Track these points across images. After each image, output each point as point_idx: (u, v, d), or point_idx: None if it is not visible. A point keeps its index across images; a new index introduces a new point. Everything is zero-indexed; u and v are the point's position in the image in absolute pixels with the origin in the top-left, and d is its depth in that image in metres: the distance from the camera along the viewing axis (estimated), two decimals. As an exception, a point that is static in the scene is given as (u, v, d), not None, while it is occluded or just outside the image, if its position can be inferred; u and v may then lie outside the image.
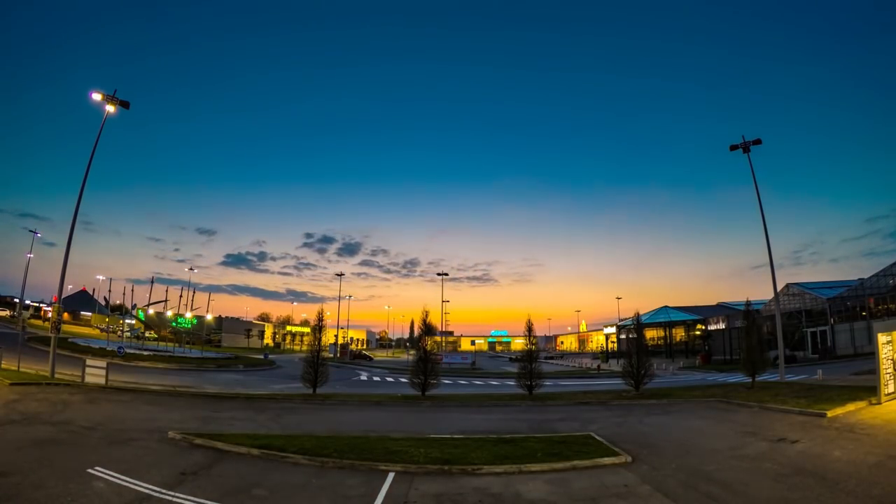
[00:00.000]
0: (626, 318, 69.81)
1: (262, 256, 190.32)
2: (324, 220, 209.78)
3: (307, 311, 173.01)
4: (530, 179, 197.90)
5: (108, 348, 41.30)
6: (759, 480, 9.39)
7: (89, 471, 9.22)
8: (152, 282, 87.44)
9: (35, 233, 64.20)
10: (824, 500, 8.22)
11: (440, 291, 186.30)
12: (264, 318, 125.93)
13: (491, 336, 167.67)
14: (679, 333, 68.74)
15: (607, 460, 11.03)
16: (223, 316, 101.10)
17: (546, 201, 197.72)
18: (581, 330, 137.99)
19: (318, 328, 25.13)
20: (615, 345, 79.91)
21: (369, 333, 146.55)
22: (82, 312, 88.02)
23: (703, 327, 63.13)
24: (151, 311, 77.20)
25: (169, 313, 73.27)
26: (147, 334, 76.53)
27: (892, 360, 16.11)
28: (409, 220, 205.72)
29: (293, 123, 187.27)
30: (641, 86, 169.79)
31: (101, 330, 72.21)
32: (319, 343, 24.73)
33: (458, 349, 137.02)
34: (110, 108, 25.94)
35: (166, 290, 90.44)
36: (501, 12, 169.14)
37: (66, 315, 64.76)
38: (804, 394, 18.92)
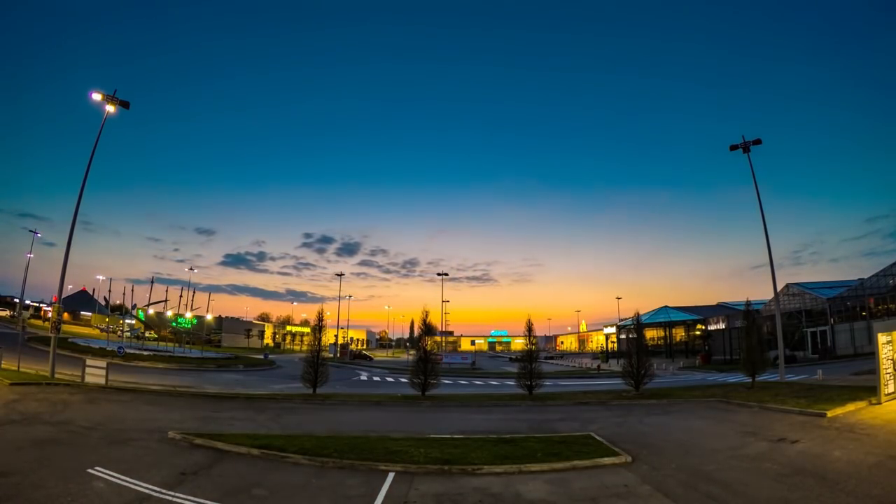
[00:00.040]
0: (626, 318, 69.85)
1: (261, 256, 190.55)
2: (323, 220, 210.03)
3: (307, 311, 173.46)
4: (530, 179, 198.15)
5: (108, 348, 41.29)
6: (760, 480, 9.39)
7: (89, 471, 9.23)
8: (152, 282, 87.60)
9: (35, 233, 64.33)
10: (824, 500, 8.22)
11: (440, 291, 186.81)
12: (264, 318, 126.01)
13: (491, 336, 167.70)
14: (679, 333, 68.72)
15: (607, 460, 11.03)
16: (223, 316, 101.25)
17: (546, 201, 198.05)
18: (581, 330, 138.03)
19: (318, 328, 25.12)
20: (615, 345, 79.89)
21: (369, 333, 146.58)
22: (82, 312, 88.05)
23: (703, 327, 63.12)
24: (151, 311, 77.21)
25: (169, 313, 73.27)
26: (147, 334, 76.54)
27: (892, 360, 16.11)
28: (408, 220, 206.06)
29: (292, 123, 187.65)
30: (641, 86, 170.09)
31: (101, 330, 72.20)
32: (319, 343, 24.73)
33: (458, 349, 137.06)
34: (110, 108, 25.95)
35: (166, 290, 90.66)
36: (501, 12, 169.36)
37: (66, 315, 64.78)
38: (804, 394, 18.92)
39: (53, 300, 31.78)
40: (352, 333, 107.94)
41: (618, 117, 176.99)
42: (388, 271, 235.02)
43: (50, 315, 49.72)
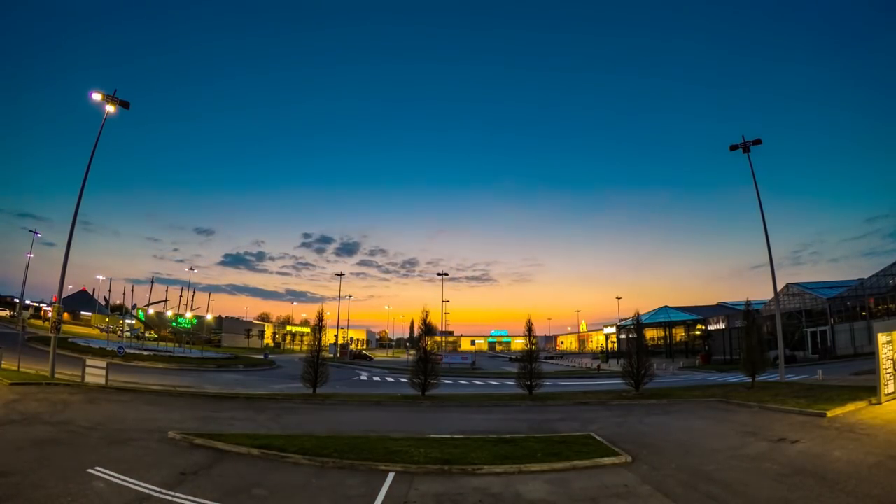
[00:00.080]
0: (626, 318, 69.83)
1: (260, 256, 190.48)
2: (321, 220, 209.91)
3: (307, 311, 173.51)
4: (530, 179, 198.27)
5: (108, 348, 41.28)
6: (760, 480, 9.39)
7: (89, 471, 9.23)
8: (152, 282, 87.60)
9: (35, 233, 64.34)
10: (824, 500, 8.22)
11: (439, 291, 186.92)
12: (264, 318, 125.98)
13: (491, 336, 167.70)
14: (679, 333, 68.72)
15: (607, 460, 11.03)
16: (223, 316, 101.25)
17: (546, 201, 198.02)
18: (581, 330, 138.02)
19: (318, 328, 25.11)
20: (615, 345, 79.87)
21: (369, 333, 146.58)
22: (82, 312, 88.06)
23: (703, 327, 63.12)
24: (151, 311, 77.23)
25: (169, 313, 73.28)
26: (147, 334, 76.55)
27: (892, 360, 16.11)
28: (407, 220, 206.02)
29: (290, 123, 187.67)
30: (641, 86, 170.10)
31: (101, 330, 72.20)
32: (319, 343, 24.73)
33: (458, 349, 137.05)
34: (110, 108, 25.95)
35: (166, 290, 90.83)
36: (501, 12, 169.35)
37: (66, 315, 64.79)
38: (804, 394, 18.93)
39: (53, 300, 31.78)
40: (352, 333, 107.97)
41: (618, 117, 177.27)
42: (387, 271, 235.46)
43: (50, 315, 49.72)
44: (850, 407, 15.59)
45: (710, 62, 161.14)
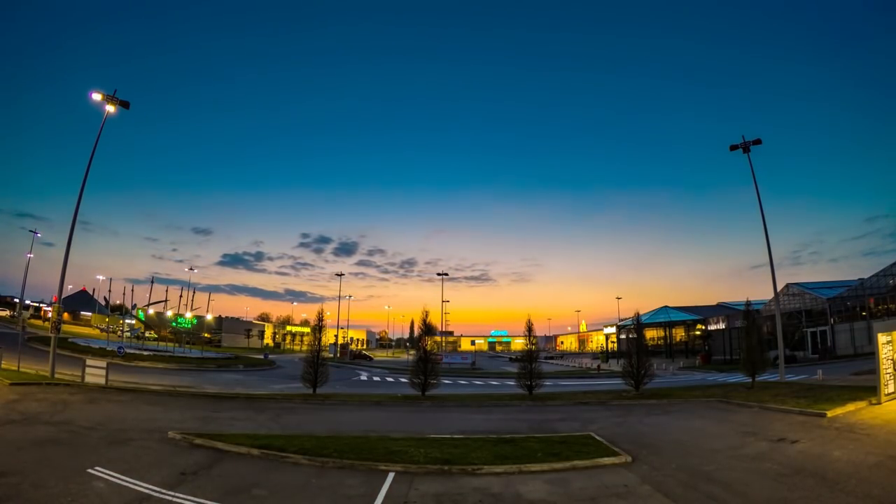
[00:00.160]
0: (626, 318, 69.86)
1: (259, 256, 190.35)
2: (320, 220, 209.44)
3: (307, 311, 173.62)
4: (529, 179, 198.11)
5: (108, 348, 41.29)
6: (760, 480, 9.39)
7: (89, 471, 9.23)
8: (152, 282, 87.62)
9: (35, 233, 64.39)
10: (824, 500, 8.22)
11: (439, 291, 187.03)
12: (264, 318, 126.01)
13: (491, 336, 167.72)
14: (679, 333, 68.74)
15: (607, 460, 11.04)
16: (223, 316, 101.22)
17: (545, 201, 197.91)
18: (581, 330, 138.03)
19: (318, 328, 25.12)
20: (615, 345, 79.89)
21: (369, 333, 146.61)
22: (82, 312, 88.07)
23: (703, 327, 63.14)
24: (151, 311, 77.25)
25: (169, 313, 73.30)
26: (147, 334, 76.58)
27: (892, 360, 16.11)
28: (405, 220, 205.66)
29: (288, 123, 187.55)
30: (641, 86, 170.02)
31: (101, 330, 72.21)
32: (319, 343, 24.73)
33: (458, 349, 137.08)
34: (110, 108, 25.94)
35: (166, 290, 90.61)
36: (501, 12, 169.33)
37: (66, 315, 64.81)
38: (804, 394, 18.93)
39: (53, 300, 31.78)
40: (352, 333, 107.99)
41: (618, 117, 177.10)
42: (385, 271, 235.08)
43: (50, 315, 49.74)
44: (850, 407, 15.59)
45: (710, 62, 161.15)
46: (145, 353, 45.26)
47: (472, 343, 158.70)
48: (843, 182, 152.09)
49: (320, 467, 10.44)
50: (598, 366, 59.53)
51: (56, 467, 9.36)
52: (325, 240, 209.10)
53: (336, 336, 75.02)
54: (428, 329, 25.61)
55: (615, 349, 76.98)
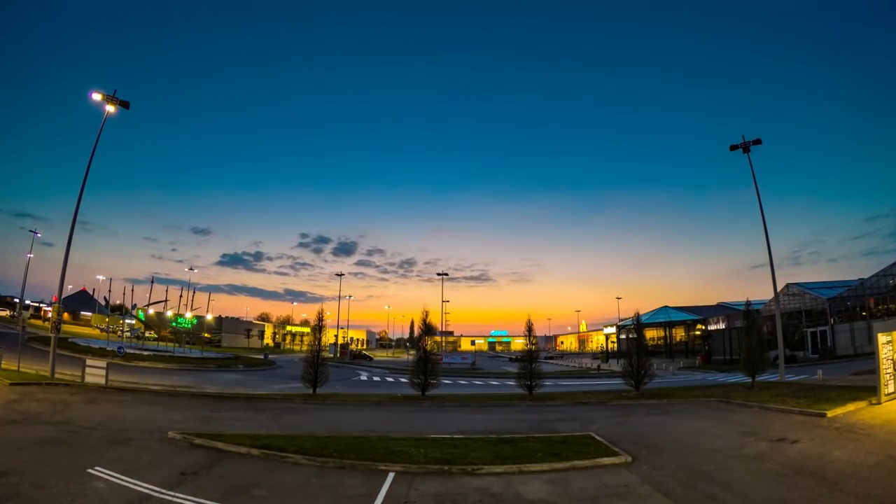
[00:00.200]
0: (626, 318, 69.85)
1: (258, 256, 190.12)
2: (319, 220, 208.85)
3: (307, 311, 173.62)
4: (529, 179, 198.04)
5: (108, 348, 41.28)
6: (760, 480, 9.40)
7: (89, 471, 9.23)
8: (152, 282, 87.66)
9: (35, 233, 64.35)
10: (824, 500, 8.22)
11: (438, 291, 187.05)
12: (264, 318, 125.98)
13: (491, 336, 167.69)
14: (679, 333, 68.74)
15: (607, 460, 11.04)
16: (223, 316, 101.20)
17: (545, 201, 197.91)
18: (581, 330, 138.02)
19: (318, 328, 25.11)
20: (615, 345, 79.89)
21: (369, 333, 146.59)
22: (82, 312, 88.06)
23: (703, 327, 63.14)
24: (151, 311, 77.24)
25: (169, 313, 73.28)
26: (147, 334, 76.57)
27: (892, 360, 16.11)
28: (404, 220, 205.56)
29: (288, 124, 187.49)
30: (641, 86, 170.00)
31: (101, 330, 72.21)
32: (319, 343, 24.72)
33: (458, 349, 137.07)
34: (110, 108, 25.93)
35: (166, 290, 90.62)
36: (501, 12, 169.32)
37: (66, 315, 64.81)
38: (804, 394, 18.92)
39: (53, 300, 31.77)
40: (352, 333, 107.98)
41: (617, 117, 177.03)
42: (385, 271, 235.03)
43: (50, 315, 49.74)
44: (850, 407, 15.59)
45: (710, 62, 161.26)
46: (145, 353, 45.25)
47: (472, 343, 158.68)
48: (843, 182, 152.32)
49: (320, 467, 10.44)
50: (598, 366, 59.53)
51: (56, 467, 9.36)
52: (324, 240, 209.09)
53: (336, 336, 75.02)
54: (428, 329, 25.60)
55: (615, 349, 76.97)
